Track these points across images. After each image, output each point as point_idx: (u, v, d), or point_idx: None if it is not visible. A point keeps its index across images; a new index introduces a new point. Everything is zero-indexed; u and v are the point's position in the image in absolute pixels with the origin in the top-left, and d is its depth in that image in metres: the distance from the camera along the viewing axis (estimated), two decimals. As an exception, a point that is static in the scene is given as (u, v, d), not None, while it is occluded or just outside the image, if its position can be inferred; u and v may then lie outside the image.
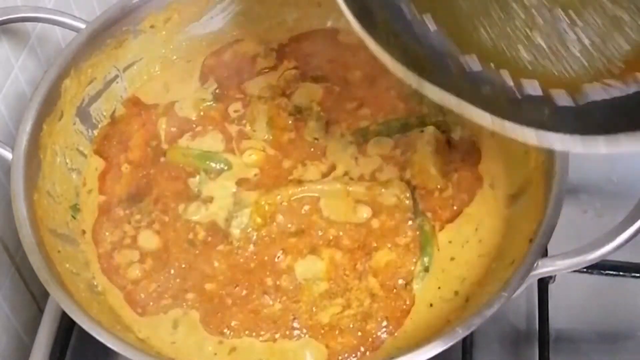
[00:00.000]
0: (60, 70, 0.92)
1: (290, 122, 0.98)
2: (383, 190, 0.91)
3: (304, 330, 0.84)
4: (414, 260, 0.87)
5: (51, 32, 1.02)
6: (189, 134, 0.98)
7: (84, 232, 0.92)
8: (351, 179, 0.93)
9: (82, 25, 0.95)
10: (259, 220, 0.90)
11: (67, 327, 0.92)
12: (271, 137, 0.97)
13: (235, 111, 1.00)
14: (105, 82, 0.99)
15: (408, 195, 0.91)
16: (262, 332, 0.84)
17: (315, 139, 0.97)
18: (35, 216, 0.84)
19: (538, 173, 0.86)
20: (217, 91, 1.02)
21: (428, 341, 0.73)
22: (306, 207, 0.91)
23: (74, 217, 0.92)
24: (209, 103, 1.00)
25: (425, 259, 0.87)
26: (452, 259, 0.88)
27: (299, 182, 0.93)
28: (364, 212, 0.91)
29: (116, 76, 1.00)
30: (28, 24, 0.97)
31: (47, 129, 0.90)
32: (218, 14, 1.05)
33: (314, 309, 0.85)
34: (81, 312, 0.77)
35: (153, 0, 0.99)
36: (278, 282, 0.87)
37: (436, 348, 0.72)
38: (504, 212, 0.90)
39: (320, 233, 0.89)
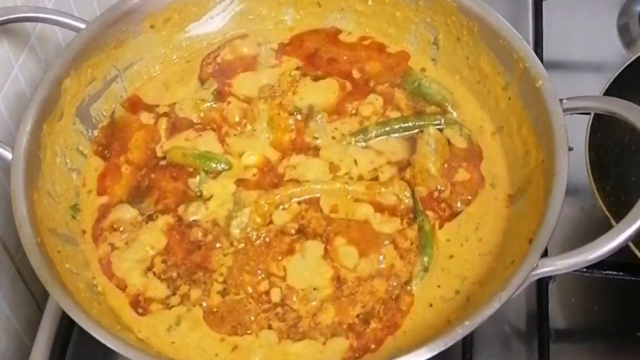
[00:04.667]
0: (60, 70, 0.92)
1: (290, 122, 0.98)
2: (383, 189, 0.91)
3: (306, 332, 0.84)
4: (414, 259, 0.87)
5: (51, 32, 1.02)
6: (189, 135, 0.98)
7: (84, 232, 0.92)
8: (351, 178, 0.93)
9: (82, 25, 0.95)
10: (258, 220, 0.90)
11: (67, 327, 0.92)
12: (272, 137, 0.97)
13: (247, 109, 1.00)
14: (105, 82, 0.99)
15: (408, 194, 0.91)
16: (264, 332, 0.84)
17: (315, 138, 0.97)
18: (35, 216, 0.84)
19: (538, 173, 0.86)
20: (217, 91, 1.02)
21: (428, 341, 0.73)
22: (306, 207, 0.91)
23: (74, 217, 0.92)
24: (209, 103, 1.00)
25: (425, 259, 0.87)
26: (451, 257, 0.87)
27: (299, 182, 0.93)
28: (364, 211, 0.91)
29: (116, 76, 1.00)
30: (28, 24, 0.97)
31: (47, 129, 0.90)
32: (218, 13, 1.05)
33: (316, 311, 0.85)
34: (81, 312, 0.77)
35: (153, 0, 0.99)
36: (280, 283, 0.87)
37: (436, 348, 0.72)
38: (505, 211, 0.89)
39: (321, 232, 0.89)
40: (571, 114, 0.85)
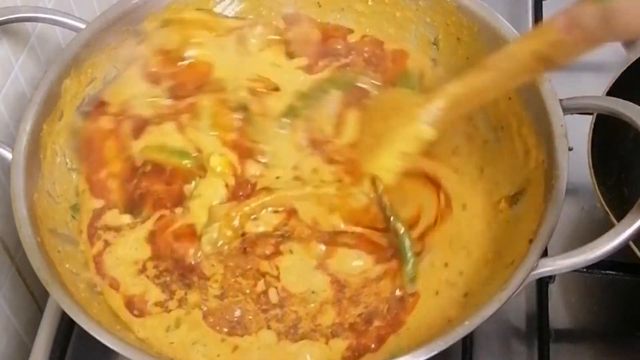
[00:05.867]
0: (60, 70, 0.92)
1: (234, 120, 0.95)
2: (354, 190, 0.90)
3: (306, 333, 0.83)
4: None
5: (51, 32, 1.02)
6: (153, 131, 0.95)
7: (81, 231, 0.91)
8: (322, 181, 0.92)
9: (82, 25, 0.95)
10: (229, 233, 0.88)
11: (67, 327, 0.92)
12: (217, 137, 0.95)
13: (191, 105, 0.97)
14: (105, 82, 0.99)
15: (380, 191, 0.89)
16: (262, 332, 0.84)
17: (255, 142, 0.95)
18: (35, 216, 0.84)
19: (538, 173, 0.86)
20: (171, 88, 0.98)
21: (428, 341, 0.73)
22: (287, 216, 0.90)
23: (74, 217, 0.92)
24: (162, 99, 0.97)
25: (408, 267, 0.85)
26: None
27: (270, 190, 0.91)
28: (339, 221, 0.89)
29: (116, 76, 1.00)
30: (28, 24, 0.97)
31: (47, 129, 0.90)
32: (219, 13, 1.05)
33: (316, 312, 0.84)
34: (81, 312, 0.77)
35: (153, 0, 0.99)
36: (275, 282, 0.86)
37: (436, 348, 0.72)
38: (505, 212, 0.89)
39: (305, 238, 0.88)
40: (571, 113, 0.85)
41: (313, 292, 0.86)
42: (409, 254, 0.85)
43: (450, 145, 0.94)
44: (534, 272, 0.76)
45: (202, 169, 0.93)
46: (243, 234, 0.89)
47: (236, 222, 0.89)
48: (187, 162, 0.93)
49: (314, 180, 0.92)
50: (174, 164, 0.93)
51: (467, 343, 0.87)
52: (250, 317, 0.85)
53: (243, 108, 0.96)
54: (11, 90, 0.95)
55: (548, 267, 0.76)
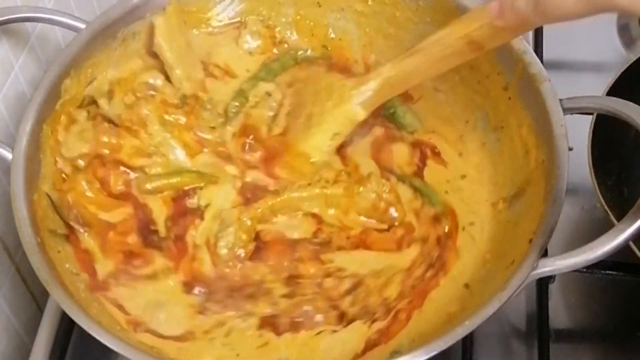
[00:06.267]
0: (60, 70, 0.91)
1: (181, 116, 0.94)
2: (362, 189, 0.90)
3: (373, 308, 0.83)
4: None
5: (51, 32, 1.02)
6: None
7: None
8: (327, 181, 0.92)
9: (82, 25, 0.95)
10: (244, 237, 0.88)
11: (67, 327, 0.92)
12: (174, 141, 0.94)
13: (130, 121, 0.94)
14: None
15: (387, 189, 0.90)
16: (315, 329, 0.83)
17: (213, 127, 0.95)
18: (35, 216, 0.84)
19: (538, 173, 0.86)
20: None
21: (428, 341, 0.73)
22: (317, 224, 0.90)
23: (74, 218, 0.92)
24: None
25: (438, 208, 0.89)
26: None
27: (276, 192, 0.91)
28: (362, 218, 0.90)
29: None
30: (28, 24, 0.97)
31: (47, 129, 0.90)
32: (218, 13, 1.05)
33: (382, 287, 0.84)
34: (81, 312, 0.77)
35: (153, 0, 0.99)
36: (339, 273, 0.86)
37: (436, 348, 0.72)
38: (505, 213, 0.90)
39: (347, 247, 0.89)
40: (571, 113, 0.85)
41: (392, 265, 0.86)
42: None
43: (458, 131, 0.96)
44: (534, 272, 0.76)
45: (202, 179, 0.93)
46: (256, 237, 0.89)
47: (248, 223, 0.89)
48: (186, 178, 0.93)
49: (323, 180, 0.92)
50: (176, 184, 0.92)
51: (467, 343, 0.87)
52: (320, 313, 0.84)
53: (187, 99, 0.95)
54: (11, 90, 0.95)
55: (548, 267, 0.76)
